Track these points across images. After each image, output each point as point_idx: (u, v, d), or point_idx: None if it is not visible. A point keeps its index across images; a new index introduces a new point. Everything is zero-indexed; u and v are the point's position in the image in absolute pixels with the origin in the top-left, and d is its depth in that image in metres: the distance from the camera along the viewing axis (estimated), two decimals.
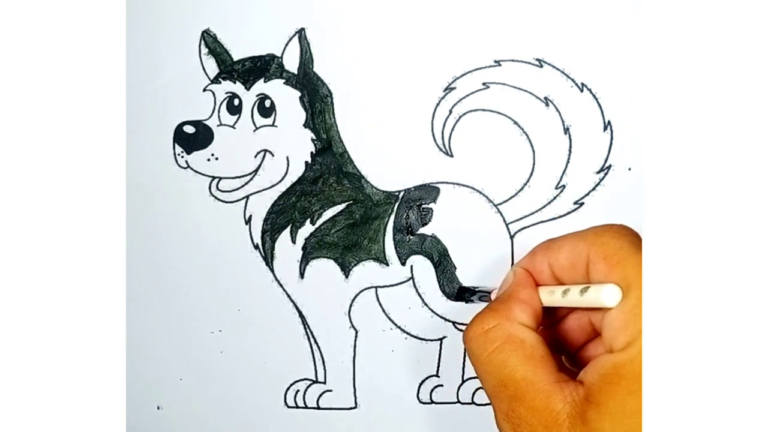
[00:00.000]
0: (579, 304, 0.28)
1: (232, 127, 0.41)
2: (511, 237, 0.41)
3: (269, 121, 0.41)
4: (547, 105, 0.40)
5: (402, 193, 0.41)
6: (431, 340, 0.42)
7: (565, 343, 0.31)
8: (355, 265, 0.41)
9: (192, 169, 0.41)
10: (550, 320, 0.31)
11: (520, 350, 0.27)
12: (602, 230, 0.28)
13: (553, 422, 0.25)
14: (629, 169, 0.40)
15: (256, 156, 0.41)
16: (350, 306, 0.42)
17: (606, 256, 0.27)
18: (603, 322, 0.26)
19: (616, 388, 0.24)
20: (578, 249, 0.28)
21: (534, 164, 0.40)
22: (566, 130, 0.40)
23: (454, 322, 0.41)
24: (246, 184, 0.41)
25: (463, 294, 0.39)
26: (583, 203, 0.40)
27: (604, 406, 0.24)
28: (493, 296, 0.34)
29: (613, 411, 0.24)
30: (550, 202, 0.40)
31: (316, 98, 0.41)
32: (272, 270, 0.42)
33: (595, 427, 0.24)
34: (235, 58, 0.41)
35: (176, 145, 0.41)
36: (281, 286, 0.42)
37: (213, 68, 0.41)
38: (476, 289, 0.38)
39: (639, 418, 0.23)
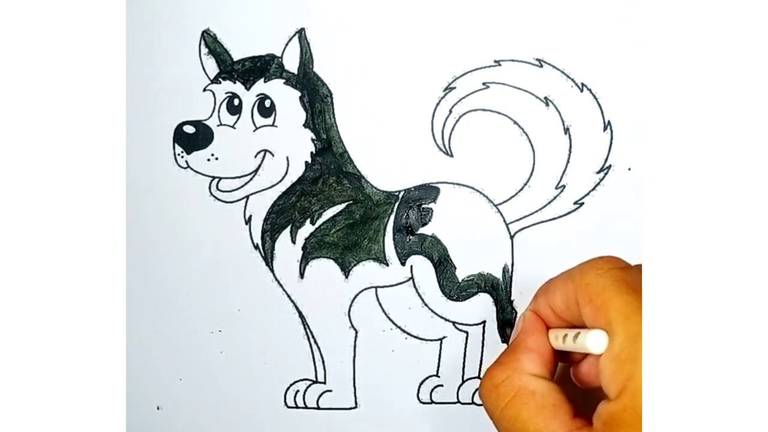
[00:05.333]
0: (577, 350, 0.28)
1: (232, 127, 0.41)
2: (511, 237, 0.41)
3: (269, 121, 0.41)
4: (547, 105, 0.40)
5: (402, 193, 0.41)
6: (431, 340, 0.42)
7: (592, 380, 0.30)
8: (355, 265, 0.41)
9: (192, 169, 0.41)
10: (574, 359, 0.31)
11: (530, 402, 0.27)
12: (586, 269, 0.28)
13: None
14: (629, 169, 0.40)
15: (256, 156, 0.41)
16: (350, 306, 0.42)
17: (590, 299, 0.26)
18: (598, 367, 0.26)
19: None
20: (568, 291, 0.28)
21: (534, 164, 0.40)
22: (566, 130, 0.40)
23: (454, 322, 0.41)
24: (246, 184, 0.41)
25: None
26: (583, 203, 0.40)
27: None
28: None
29: None
30: (550, 202, 0.40)
31: (316, 98, 0.41)
32: (272, 270, 0.42)
33: None
34: (235, 58, 0.41)
35: (176, 145, 0.41)
36: (281, 286, 0.42)
37: (213, 68, 0.41)
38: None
39: None
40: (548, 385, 0.28)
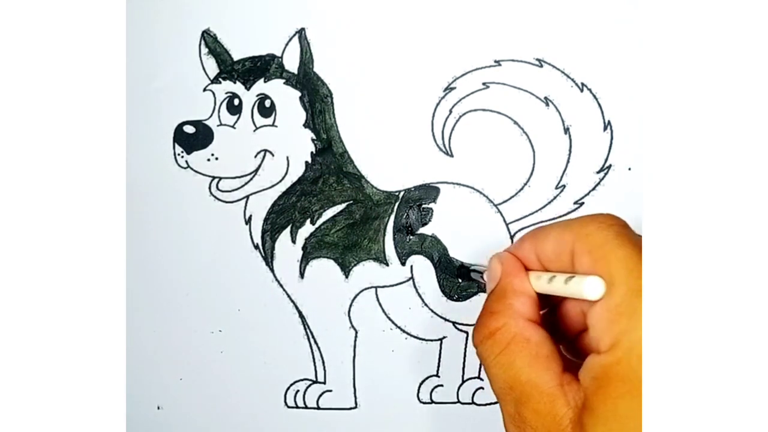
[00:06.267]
0: (564, 293, 0.27)
1: (232, 127, 0.41)
2: (511, 237, 0.41)
3: (269, 121, 0.41)
4: (547, 105, 0.40)
5: (402, 193, 0.41)
6: (431, 340, 0.42)
7: (563, 330, 0.30)
8: (355, 265, 0.41)
9: (192, 169, 0.41)
10: (547, 306, 0.30)
11: (525, 350, 0.27)
12: (588, 221, 0.27)
13: (557, 427, 0.25)
14: (629, 169, 0.40)
15: (256, 156, 0.41)
16: (350, 306, 0.42)
17: (590, 249, 0.26)
18: (588, 318, 0.25)
19: (606, 392, 0.24)
20: (563, 240, 0.27)
21: (534, 164, 0.40)
22: (566, 130, 0.40)
23: (454, 322, 0.41)
24: (246, 184, 0.41)
25: (462, 271, 0.40)
26: (583, 203, 0.40)
27: (597, 411, 0.24)
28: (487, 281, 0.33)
29: (606, 416, 0.23)
30: (550, 202, 0.40)
31: (316, 98, 0.41)
32: (272, 270, 0.42)
33: None
34: (235, 58, 0.41)
35: (176, 145, 0.41)
36: (281, 286, 0.42)
37: (213, 68, 0.41)
38: (471, 267, 0.38)
39: (631, 423, 0.23)
40: (542, 334, 0.27)
